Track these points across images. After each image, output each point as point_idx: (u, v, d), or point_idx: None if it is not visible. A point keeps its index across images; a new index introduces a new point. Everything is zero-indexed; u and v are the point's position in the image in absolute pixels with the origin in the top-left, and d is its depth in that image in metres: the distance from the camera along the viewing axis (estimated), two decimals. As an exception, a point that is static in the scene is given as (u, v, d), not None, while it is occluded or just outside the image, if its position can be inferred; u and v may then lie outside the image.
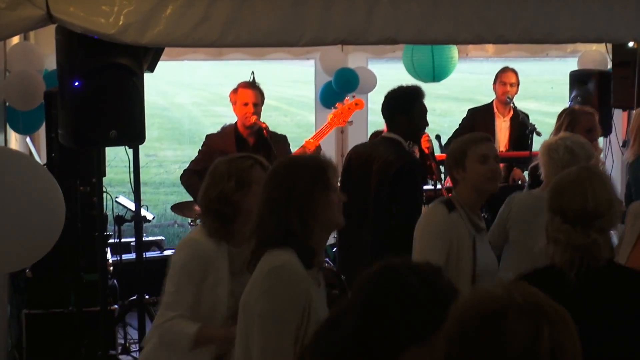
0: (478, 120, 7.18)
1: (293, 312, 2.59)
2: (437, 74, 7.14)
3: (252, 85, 5.83)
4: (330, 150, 7.23)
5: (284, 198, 2.70)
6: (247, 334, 2.67)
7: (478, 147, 3.80)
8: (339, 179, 2.84)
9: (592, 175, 2.88)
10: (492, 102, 7.23)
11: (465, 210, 3.78)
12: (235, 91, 5.81)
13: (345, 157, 5.21)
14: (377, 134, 5.79)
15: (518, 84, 7.16)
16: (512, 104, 7.05)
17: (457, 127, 7.31)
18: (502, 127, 7.16)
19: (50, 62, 5.47)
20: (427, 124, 5.08)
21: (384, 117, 5.07)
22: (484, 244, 3.85)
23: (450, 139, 7.05)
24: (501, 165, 6.98)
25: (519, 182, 6.65)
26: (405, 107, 4.92)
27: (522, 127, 7.02)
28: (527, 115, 7.03)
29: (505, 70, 7.14)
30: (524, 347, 1.45)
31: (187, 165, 5.93)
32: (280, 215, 2.69)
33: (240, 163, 3.34)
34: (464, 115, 7.38)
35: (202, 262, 3.25)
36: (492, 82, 7.24)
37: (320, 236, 2.76)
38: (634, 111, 6.20)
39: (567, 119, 5.11)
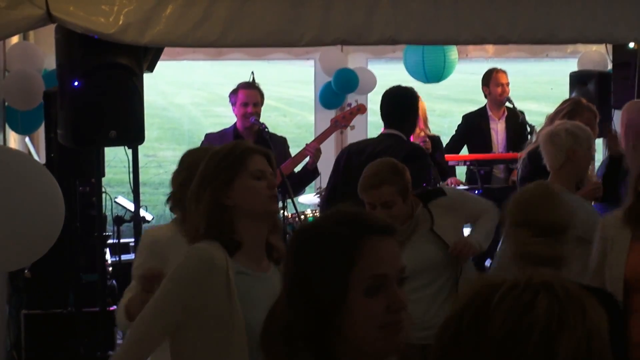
0: (472, 125, 7.16)
1: (184, 286, 2.59)
2: (430, 74, 7.13)
3: (251, 85, 5.82)
4: (330, 150, 7.22)
5: (198, 190, 2.68)
6: None
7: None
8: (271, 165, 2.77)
9: (552, 190, 2.97)
10: (485, 105, 7.21)
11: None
12: (234, 92, 5.80)
13: (343, 156, 5.17)
14: None
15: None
16: (512, 104, 7.04)
17: (454, 133, 7.30)
18: (498, 129, 7.14)
19: (50, 62, 5.46)
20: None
21: (389, 115, 5.09)
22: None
23: (446, 145, 7.04)
24: (501, 166, 7.08)
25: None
26: (413, 105, 5.09)
27: (522, 127, 7.01)
28: (522, 113, 7.02)
29: (497, 71, 7.10)
30: (505, 324, 1.22)
31: (187, 165, 5.92)
32: (198, 208, 2.67)
33: (194, 153, 3.39)
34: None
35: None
36: (482, 85, 7.18)
37: (246, 226, 2.67)
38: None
39: (570, 107, 5.06)
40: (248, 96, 5.72)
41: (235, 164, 2.68)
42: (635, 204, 3.64)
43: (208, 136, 5.93)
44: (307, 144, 5.83)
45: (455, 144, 7.21)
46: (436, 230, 3.82)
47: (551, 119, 4.98)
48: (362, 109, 6.13)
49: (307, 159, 5.78)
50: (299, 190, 5.97)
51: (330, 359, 1.66)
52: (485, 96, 7.19)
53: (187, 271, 2.63)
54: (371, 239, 1.65)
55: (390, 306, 1.64)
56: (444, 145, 6.84)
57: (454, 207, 3.95)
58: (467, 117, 7.29)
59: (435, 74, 7.14)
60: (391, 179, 3.73)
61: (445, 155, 6.72)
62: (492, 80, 7.08)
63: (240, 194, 2.66)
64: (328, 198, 5.14)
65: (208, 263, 2.59)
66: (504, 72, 7.10)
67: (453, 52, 7.07)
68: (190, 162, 3.27)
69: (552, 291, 1.24)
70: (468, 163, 6.78)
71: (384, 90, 5.25)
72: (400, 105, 5.07)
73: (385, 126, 5.10)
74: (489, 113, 7.15)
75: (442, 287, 3.88)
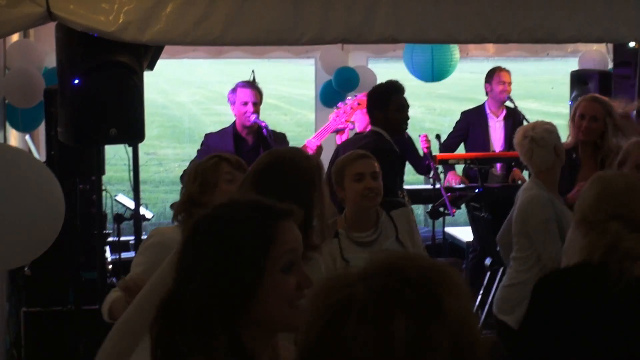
0: (471, 122, 7.17)
1: None
2: (437, 73, 7.14)
3: (250, 84, 5.82)
4: (330, 148, 7.22)
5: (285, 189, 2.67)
6: None
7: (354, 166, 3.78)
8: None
9: (638, 181, 2.94)
10: (484, 103, 7.22)
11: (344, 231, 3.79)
12: (234, 90, 5.79)
13: (335, 153, 5.32)
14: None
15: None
16: (513, 104, 7.05)
17: (452, 130, 7.31)
18: (497, 128, 7.15)
19: (50, 60, 5.47)
20: (406, 117, 5.32)
21: (367, 113, 5.41)
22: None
23: (445, 142, 7.06)
24: (499, 165, 7.09)
25: (519, 182, 6.64)
26: (381, 103, 5.24)
27: (520, 126, 7.02)
28: (522, 115, 7.04)
29: (500, 69, 7.12)
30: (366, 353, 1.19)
31: (187, 164, 5.92)
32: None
33: (204, 164, 3.32)
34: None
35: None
36: (485, 82, 7.20)
37: None
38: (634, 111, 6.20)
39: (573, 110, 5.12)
40: (247, 95, 5.72)
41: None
42: None
43: (208, 136, 5.93)
44: (307, 140, 5.86)
45: (453, 140, 7.23)
46: (401, 239, 3.86)
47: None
48: (362, 104, 6.15)
49: None
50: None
51: (240, 343, 1.73)
52: (487, 93, 7.20)
53: None
54: (283, 221, 1.80)
55: (301, 283, 1.77)
56: (442, 142, 6.88)
57: (410, 220, 4.00)
58: (466, 114, 7.31)
59: (441, 72, 7.15)
60: (371, 155, 3.88)
61: (445, 154, 6.75)
62: (494, 78, 7.10)
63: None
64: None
65: None
66: (508, 71, 7.12)
67: (457, 51, 7.09)
68: (199, 172, 3.28)
69: (407, 308, 1.21)
70: (468, 162, 6.79)
71: (372, 87, 5.54)
72: (373, 106, 5.27)
73: (371, 122, 5.34)
74: (488, 111, 7.16)
75: None
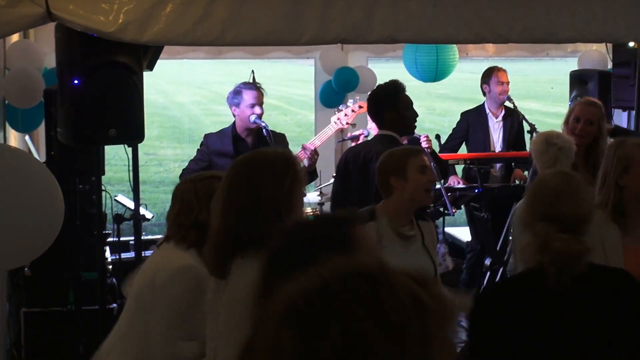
0: (471, 122, 7.16)
1: None
2: (437, 73, 7.14)
3: (255, 86, 5.81)
4: (330, 150, 7.23)
5: (253, 201, 2.62)
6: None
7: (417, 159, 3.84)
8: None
9: (575, 180, 2.92)
10: (484, 103, 7.20)
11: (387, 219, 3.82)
12: (236, 92, 5.77)
13: (341, 159, 5.21)
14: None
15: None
16: (512, 104, 7.04)
17: (452, 131, 7.30)
18: (496, 128, 7.14)
19: (50, 60, 5.46)
20: (416, 114, 5.15)
21: (374, 117, 5.19)
22: (407, 252, 3.82)
23: (445, 142, 7.05)
24: (498, 165, 7.08)
25: (521, 182, 6.64)
26: (392, 102, 5.03)
27: (520, 126, 7.02)
28: (522, 114, 7.03)
29: (498, 69, 7.08)
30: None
31: (187, 164, 5.92)
32: (253, 219, 2.61)
33: (206, 186, 3.20)
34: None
35: (201, 286, 3.07)
36: (482, 83, 7.17)
37: None
38: (633, 111, 6.21)
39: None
40: (254, 97, 5.70)
41: (296, 176, 2.69)
42: (619, 199, 3.65)
43: (207, 136, 5.93)
44: (303, 145, 5.83)
45: (454, 141, 7.21)
46: (427, 246, 3.90)
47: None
48: (364, 107, 6.14)
49: (305, 161, 5.77)
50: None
51: None
52: (484, 94, 7.17)
53: None
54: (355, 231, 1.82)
55: None
56: (443, 144, 6.85)
57: (434, 235, 4.06)
58: (465, 114, 7.29)
59: (444, 72, 7.15)
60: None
61: (445, 154, 6.73)
62: (492, 79, 7.07)
63: (296, 204, 2.70)
64: (332, 205, 5.29)
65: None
66: (504, 70, 7.09)
67: (448, 52, 7.08)
68: (201, 196, 3.18)
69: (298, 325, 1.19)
70: (469, 162, 6.78)
71: (374, 88, 5.34)
72: (382, 107, 5.06)
73: (378, 127, 5.13)
74: (487, 111, 7.15)
75: None
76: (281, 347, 1.18)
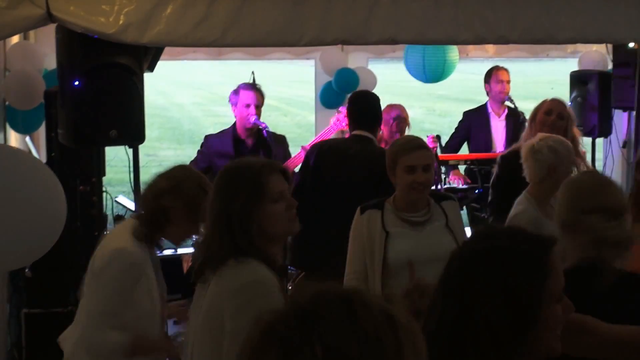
0: (474, 121, 7.17)
1: None
2: (437, 74, 7.13)
3: (253, 87, 5.82)
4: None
5: (225, 214, 2.62)
6: (212, 347, 2.60)
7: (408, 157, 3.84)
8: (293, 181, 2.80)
9: (605, 176, 3.04)
10: (486, 102, 7.22)
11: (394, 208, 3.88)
12: (236, 92, 5.79)
13: (313, 153, 5.18)
14: None
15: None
16: (512, 104, 7.04)
17: (454, 130, 7.30)
18: (498, 127, 7.15)
19: (50, 62, 5.46)
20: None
21: (362, 117, 5.18)
22: (420, 234, 3.86)
23: (448, 142, 7.06)
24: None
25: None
26: (380, 109, 5.31)
27: (522, 126, 7.01)
28: (522, 114, 7.03)
29: (499, 68, 7.12)
30: None
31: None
32: (225, 231, 2.61)
33: (173, 174, 3.34)
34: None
35: (137, 270, 3.17)
36: (484, 82, 7.20)
37: (271, 248, 2.68)
38: (634, 112, 6.22)
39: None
40: (250, 98, 5.72)
41: (261, 195, 2.63)
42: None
43: (207, 137, 5.93)
44: (302, 147, 5.83)
45: (456, 141, 7.22)
46: (451, 227, 3.94)
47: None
48: None
49: None
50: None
51: None
52: (487, 94, 7.20)
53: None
54: (552, 252, 1.87)
55: (564, 310, 1.86)
56: (445, 143, 6.86)
57: (458, 213, 4.10)
58: (468, 114, 7.31)
59: (447, 72, 7.15)
60: (427, 145, 3.95)
61: (446, 155, 6.73)
62: (492, 78, 7.10)
63: (265, 222, 2.63)
64: (294, 193, 5.14)
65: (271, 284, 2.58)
66: (506, 69, 7.12)
67: (447, 52, 7.08)
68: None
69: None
70: (469, 162, 6.78)
71: (352, 94, 5.50)
72: (373, 108, 5.22)
73: (355, 128, 5.15)
74: (490, 110, 7.16)
75: None
76: None
